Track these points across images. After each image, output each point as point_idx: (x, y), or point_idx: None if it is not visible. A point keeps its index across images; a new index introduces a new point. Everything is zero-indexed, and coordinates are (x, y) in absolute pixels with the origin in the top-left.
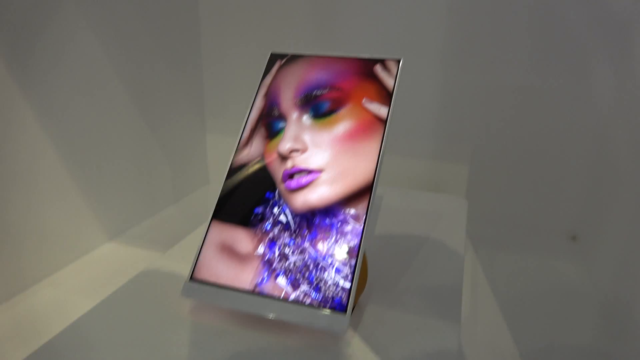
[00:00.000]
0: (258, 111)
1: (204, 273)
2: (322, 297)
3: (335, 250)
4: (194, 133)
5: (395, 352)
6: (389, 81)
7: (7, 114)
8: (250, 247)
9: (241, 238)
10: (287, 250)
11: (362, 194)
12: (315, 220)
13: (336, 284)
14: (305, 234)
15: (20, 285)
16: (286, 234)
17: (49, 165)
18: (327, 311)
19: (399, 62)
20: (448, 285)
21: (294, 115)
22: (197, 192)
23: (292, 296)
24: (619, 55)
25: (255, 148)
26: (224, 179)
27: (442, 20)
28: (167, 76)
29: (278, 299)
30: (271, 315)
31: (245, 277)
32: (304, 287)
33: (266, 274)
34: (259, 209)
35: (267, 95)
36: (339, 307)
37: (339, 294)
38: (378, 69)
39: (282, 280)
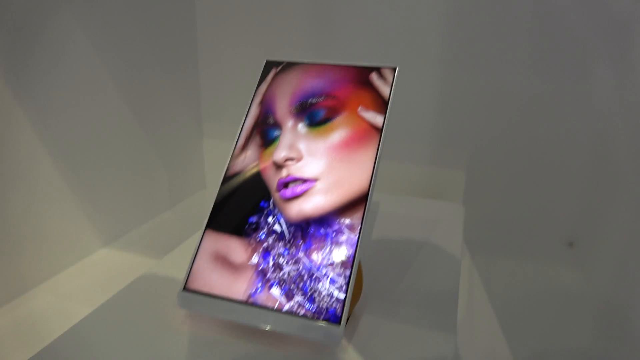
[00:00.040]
0: (253, 119)
1: (197, 283)
2: (317, 308)
3: (330, 261)
4: (190, 137)
5: None
6: (384, 89)
7: (2, 117)
8: (244, 256)
9: (235, 247)
10: (281, 260)
11: (357, 203)
12: (309, 229)
13: (330, 295)
14: (300, 243)
15: (14, 292)
16: (280, 243)
17: (43, 169)
18: (321, 322)
19: (394, 70)
20: (444, 294)
21: (289, 123)
22: (194, 197)
23: (286, 307)
24: (619, 59)
25: (250, 156)
26: (218, 188)
27: (439, 25)
28: (164, 80)
29: (272, 309)
30: (265, 327)
31: (239, 287)
32: (298, 297)
33: (260, 284)
34: (253, 218)
35: (262, 103)
36: (333, 318)
37: (334, 305)
38: (374, 77)
39: (276, 291)
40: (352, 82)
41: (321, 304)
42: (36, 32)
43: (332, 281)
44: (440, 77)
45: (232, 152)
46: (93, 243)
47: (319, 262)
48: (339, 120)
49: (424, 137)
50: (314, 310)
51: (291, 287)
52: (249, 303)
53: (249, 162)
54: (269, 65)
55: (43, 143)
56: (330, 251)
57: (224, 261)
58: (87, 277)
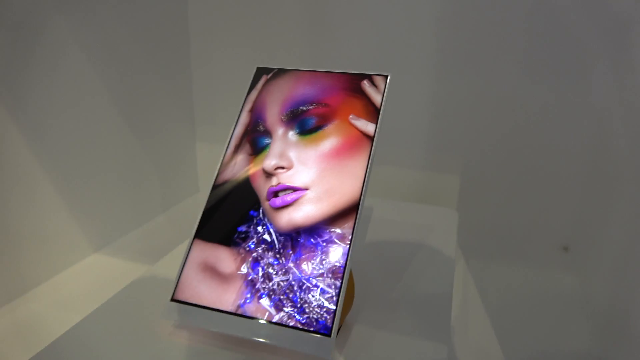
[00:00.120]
0: (243, 127)
1: (185, 294)
2: (307, 320)
3: (320, 271)
4: (183, 141)
5: None
6: (376, 97)
7: None
8: (233, 267)
9: (224, 257)
10: (271, 270)
11: (349, 212)
12: (300, 239)
13: (321, 306)
14: (290, 253)
15: (3, 299)
16: (270, 253)
17: (34, 173)
18: (311, 334)
19: (386, 77)
20: (437, 300)
21: (279, 131)
22: (187, 201)
23: (276, 318)
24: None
25: (239, 164)
26: (207, 197)
27: (433, 30)
28: (157, 84)
29: (261, 320)
30: (254, 338)
31: (227, 297)
32: (288, 308)
33: (249, 294)
34: (243, 227)
35: (253, 110)
36: (324, 329)
37: (324, 316)
38: (366, 84)
39: (265, 302)
40: (344, 89)
41: (311, 315)
42: (31, 40)
43: (323, 292)
44: (435, 81)
45: (222, 159)
46: (85, 248)
47: (309, 273)
48: (330, 128)
49: (418, 143)
50: (304, 322)
51: (281, 298)
52: (238, 314)
53: (238, 170)
54: (260, 72)
55: (33, 148)
56: (321, 261)
57: (212, 271)
58: (79, 283)
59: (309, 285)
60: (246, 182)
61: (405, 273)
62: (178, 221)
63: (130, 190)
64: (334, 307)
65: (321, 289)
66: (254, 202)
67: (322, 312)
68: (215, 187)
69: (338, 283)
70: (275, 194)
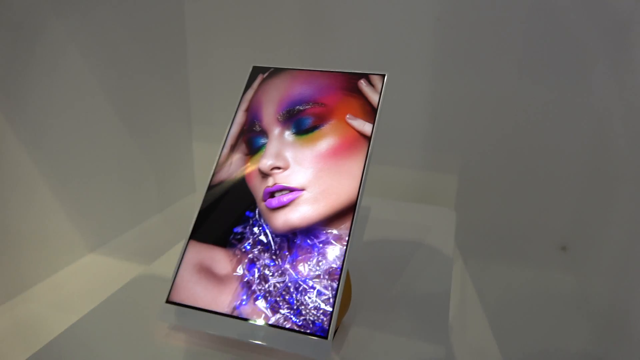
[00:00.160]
0: (239, 126)
1: (181, 295)
2: (303, 322)
3: (317, 273)
4: (180, 140)
5: None
6: (373, 97)
7: None
8: (228, 268)
9: (219, 259)
10: (267, 271)
11: (345, 213)
12: (296, 240)
13: (317, 308)
14: (286, 255)
15: None
16: (266, 254)
17: (29, 172)
18: (307, 336)
19: (384, 77)
20: (435, 302)
21: (275, 131)
22: (184, 200)
23: (272, 320)
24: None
25: (235, 165)
26: (203, 197)
27: (431, 29)
28: (154, 83)
29: (257, 322)
30: (250, 340)
31: (223, 299)
32: (284, 310)
33: (245, 296)
34: (239, 228)
35: (249, 110)
36: (320, 331)
37: (320, 318)
38: (363, 84)
39: (261, 303)
40: (341, 89)
41: (308, 317)
42: (29, 40)
43: (319, 293)
44: (433, 81)
45: (217, 160)
46: (81, 247)
47: (305, 274)
48: (326, 128)
49: (416, 142)
50: (300, 324)
51: (277, 300)
52: (234, 316)
53: (234, 170)
54: (256, 71)
55: (28, 147)
56: (318, 263)
57: (208, 273)
58: (75, 283)
59: (305, 286)
60: (242, 183)
61: (403, 273)
62: (174, 221)
63: (126, 190)
64: (331, 309)
65: (318, 290)
66: (250, 202)
67: (318, 314)
68: (210, 187)
69: (335, 285)
70: (272, 194)
